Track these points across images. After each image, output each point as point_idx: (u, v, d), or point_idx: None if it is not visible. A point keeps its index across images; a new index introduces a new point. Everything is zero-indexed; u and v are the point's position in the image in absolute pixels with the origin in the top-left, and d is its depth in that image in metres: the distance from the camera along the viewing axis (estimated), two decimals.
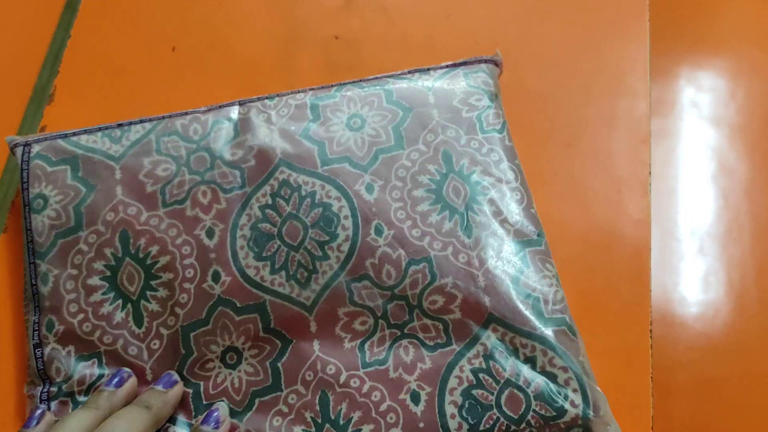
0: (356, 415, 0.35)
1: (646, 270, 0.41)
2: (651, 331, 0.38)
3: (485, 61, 0.43)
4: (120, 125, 0.42)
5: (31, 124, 0.47)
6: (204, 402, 0.36)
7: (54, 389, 0.37)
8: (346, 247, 0.37)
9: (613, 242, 0.42)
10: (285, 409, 0.35)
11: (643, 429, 0.37)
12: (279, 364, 0.36)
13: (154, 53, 0.49)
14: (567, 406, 0.34)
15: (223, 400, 0.36)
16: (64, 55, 0.49)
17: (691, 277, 0.44)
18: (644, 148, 0.44)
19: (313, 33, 0.49)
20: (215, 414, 0.35)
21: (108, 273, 0.38)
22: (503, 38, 0.48)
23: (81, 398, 0.36)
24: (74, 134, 0.41)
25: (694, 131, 0.48)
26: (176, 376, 0.36)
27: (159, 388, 0.35)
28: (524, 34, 0.48)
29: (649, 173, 0.44)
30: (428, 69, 0.43)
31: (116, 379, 0.36)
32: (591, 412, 0.34)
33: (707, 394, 0.41)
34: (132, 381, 0.36)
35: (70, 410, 0.36)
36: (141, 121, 0.42)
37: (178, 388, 0.36)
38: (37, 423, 0.34)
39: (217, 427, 0.34)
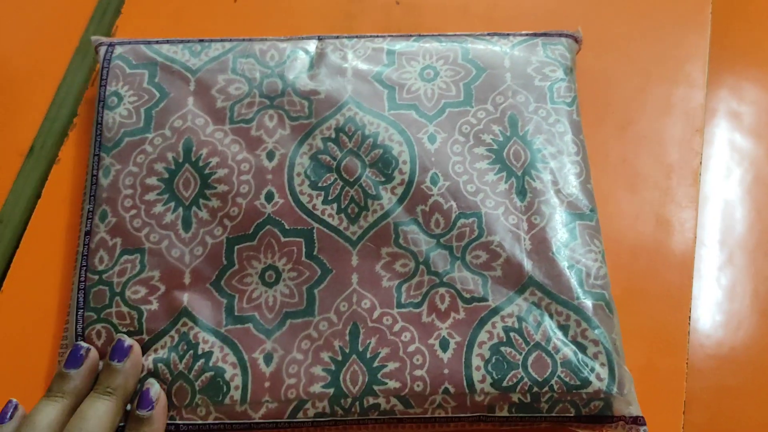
0: (384, 351, 0.35)
1: (690, 255, 0.41)
2: (690, 318, 0.38)
3: (566, 36, 0.43)
4: (201, 41, 0.43)
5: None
6: (236, 313, 0.37)
7: (93, 277, 0.38)
8: (399, 191, 0.38)
9: (660, 227, 0.42)
10: (315, 335, 0.36)
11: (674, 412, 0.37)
12: (316, 291, 0.37)
13: (216, 3, 0.49)
14: (592, 378, 0.34)
15: (154, 381, 0.35)
16: (125, 2, 0.49)
17: (717, 285, 0.43)
18: (697, 138, 0.44)
19: None
20: (149, 394, 0.34)
21: (166, 175, 0.39)
22: (564, 16, 0.48)
23: (118, 290, 0.37)
24: (156, 42, 0.43)
25: (734, 140, 0.47)
26: (128, 341, 0.35)
27: (115, 364, 0.34)
28: (585, 14, 0.48)
29: (700, 163, 0.44)
30: (508, 34, 0.43)
31: (76, 358, 0.35)
32: (615, 389, 0.34)
33: (720, 402, 0.40)
34: (91, 356, 0.35)
35: (106, 300, 0.37)
36: (221, 40, 0.43)
37: (134, 355, 0.35)
38: (10, 418, 0.33)
39: (151, 409, 0.34)
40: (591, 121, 0.44)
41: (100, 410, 0.33)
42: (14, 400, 0.34)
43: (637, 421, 0.33)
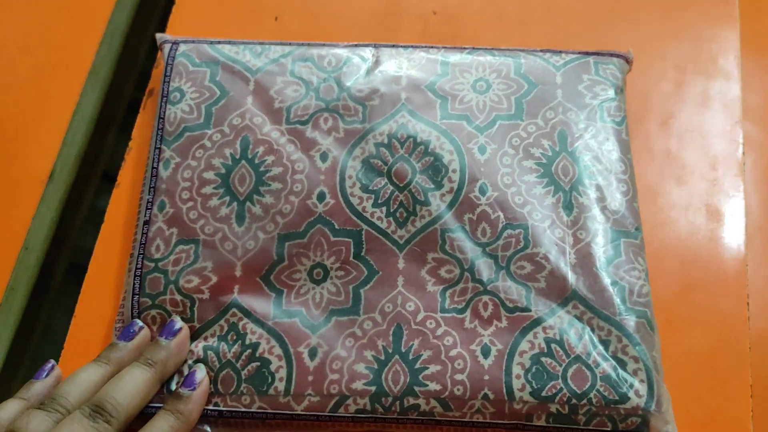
0: (426, 354, 0.36)
1: (742, 243, 0.43)
2: (748, 304, 0.40)
3: (617, 56, 0.43)
4: (261, 43, 0.44)
5: None
6: (283, 308, 0.38)
7: (150, 264, 0.39)
8: (448, 198, 0.39)
9: (711, 217, 0.43)
10: (359, 333, 0.37)
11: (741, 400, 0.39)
12: (362, 291, 0.38)
13: (258, 22, 0.50)
14: (631, 394, 0.34)
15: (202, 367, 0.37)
16: (169, 20, 0.50)
17: None
18: (737, 129, 0.46)
19: (413, 7, 0.50)
20: (194, 375, 0.36)
21: (223, 171, 0.40)
22: (598, 19, 0.50)
23: (172, 278, 0.39)
24: (218, 42, 0.44)
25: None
26: (179, 324, 0.37)
27: (162, 340, 0.36)
28: (616, 15, 0.50)
29: (743, 153, 0.45)
30: (560, 51, 0.43)
31: (129, 332, 0.37)
32: (654, 406, 0.34)
33: None
34: (143, 333, 0.37)
35: (161, 288, 0.39)
36: (281, 43, 0.44)
37: (181, 336, 0.37)
38: (47, 375, 0.36)
39: (193, 389, 0.35)
40: (633, 117, 0.45)
41: (137, 376, 0.34)
42: (53, 360, 0.37)
43: None
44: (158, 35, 0.46)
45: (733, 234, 0.43)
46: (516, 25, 0.50)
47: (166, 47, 0.44)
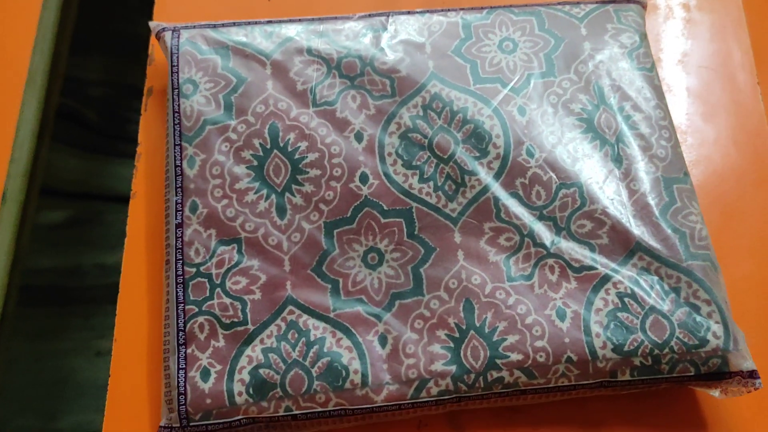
0: (501, 325, 0.35)
1: None
2: None
3: (634, 1, 0.43)
4: (269, 22, 0.41)
5: None
6: (342, 298, 0.36)
7: (191, 269, 0.37)
8: (496, 165, 0.38)
9: (738, 150, 0.45)
10: (427, 314, 0.36)
11: None
12: (422, 270, 0.37)
13: (251, 3, 0.48)
14: (709, 336, 0.35)
15: None
16: (154, 8, 0.47)
17: None
18: (749, 58, 0.47)
19: None
20: None
21: (255, 163, 0.38)
22: None
23: (218, 281, 0.36)
24: (222, 25, 0.41)
25: None
26: None
27: None
28: None
29: (758, 83, 0.47)
30: (578, 2, 0.43)
31: None
32: (731, 345, 0.34)
33: None
34: None
35: (206, 292, 0.36)
36: (290, 21, 0.41)
37: None
38: None
39: None
40: None
41: None
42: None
43: (753, 374, 0.35)
44: (152, 23, 0.42)
45: (762, 160, 0.44)
46: None
47: (167, 35, 0.41)
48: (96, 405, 0.39)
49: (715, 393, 0.35)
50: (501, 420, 0.37)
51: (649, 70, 0.41)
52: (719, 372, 0.35)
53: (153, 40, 0.45)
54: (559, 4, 0.43)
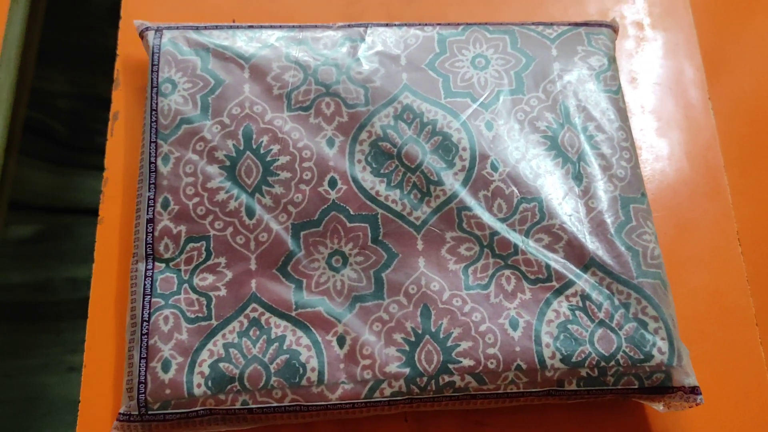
0: (456, 332, 0.36)
1: (724, 182, 0.46)
2: (739, 239, 0.44)
3: (606, 26, 0.44)
4: (251, 27, 0.43)
5: None
6: (305, 297, 0.37)
7: (160, 264, 0.38)
8: (461, 176, 0.39)
9: (691, 163, 0.47)
10: (386, 317, 0.37)
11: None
12: (383, 275, 0.38)
13: (217, 15, 0.48)
14: (654, 352, 0.36)
15: None
16: (119, 27, 0.47)
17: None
18: (701, 75, 0.49)
19: None
20: None
21: (227, 163, 0.39)
22: None
23: (186, 277, 0.37)
24: (204, 28, 0.42)
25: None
26: None
27: None
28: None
29: (709, 98, 0.48)
30: (552, 24, 0.44)
31: None
32: (675, 361, 0.36)
33: None
34: None
35: (174, 287, 0.37)
36: (271, 27, 0.43)
37: None
38: None
39: None
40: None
41: None
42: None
43: (695, 390, 0.36)
44: (137, 22, 0.43)
45: (714, 174, 0.46)
46: (479, 2, 0.50)
47: (150, 35, 0.42)
48: (68, 420, 0.40)
49: (659, 407, 0.37)
50: None
51: (615, 93, 0.42)
52: (662, 386, 0.36)
53: (118, 64, 0.46)
54: (533, 24, 0.44)
